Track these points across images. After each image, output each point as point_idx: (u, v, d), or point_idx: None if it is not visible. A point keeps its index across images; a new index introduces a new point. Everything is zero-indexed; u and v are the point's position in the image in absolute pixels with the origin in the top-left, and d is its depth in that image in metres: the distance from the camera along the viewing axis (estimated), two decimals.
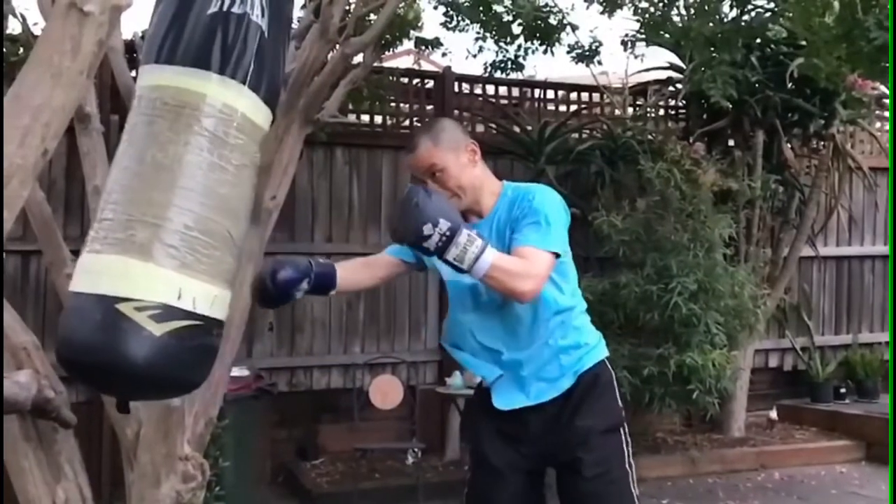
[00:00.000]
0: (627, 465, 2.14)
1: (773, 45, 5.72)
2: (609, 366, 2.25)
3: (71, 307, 1.62)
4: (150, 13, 1.76)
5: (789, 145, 6.04)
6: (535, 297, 2.02)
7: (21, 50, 3.97)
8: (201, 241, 1.58)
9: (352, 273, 2.31)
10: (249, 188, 1.73)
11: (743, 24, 5.15)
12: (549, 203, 2.11)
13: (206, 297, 1.59)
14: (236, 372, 3.92)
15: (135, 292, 1.51)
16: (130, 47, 3.97)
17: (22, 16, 3.53)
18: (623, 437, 2.18)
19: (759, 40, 5.58)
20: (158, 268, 1.53)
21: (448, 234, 1.90)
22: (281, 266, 2.10)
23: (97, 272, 1.55)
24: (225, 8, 1.65)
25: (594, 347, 2.23)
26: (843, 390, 6.44)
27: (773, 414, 6.12)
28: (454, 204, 2.10)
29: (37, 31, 3.74)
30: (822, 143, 6.25)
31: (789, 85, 5.61)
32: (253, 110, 1.70)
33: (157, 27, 1.69)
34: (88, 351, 1.54)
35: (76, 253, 3.39)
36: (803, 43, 5.09)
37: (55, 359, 1.68)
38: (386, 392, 4.86)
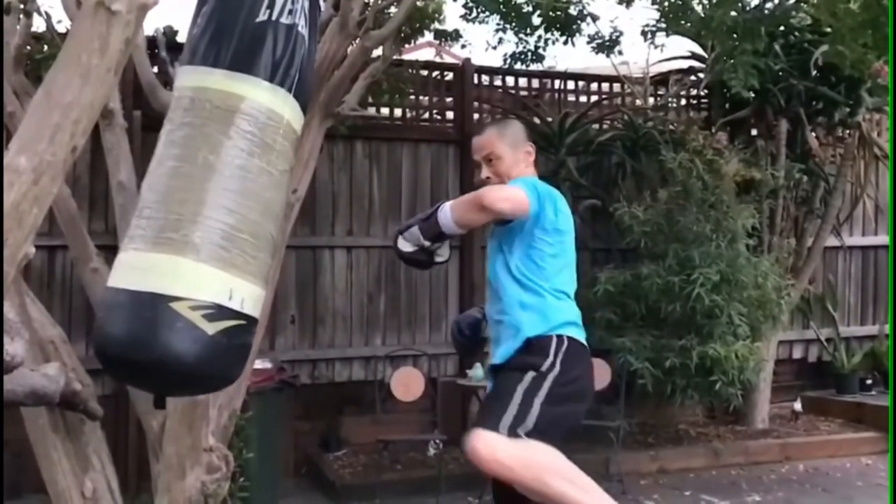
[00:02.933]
0: (521, 392, 2.13)
1: (797, 33, 5.64)
2: (564, 341, 2.24)
3: (114, 303, 1.59)
4: (193, 12, 1.80)
5: (814, 134, 5.96)
6: (507, 205, 2.16)
7: (45, 48, 4.01)
8: (249, 242, 1.62)
9: None
10: (285, 192, 1.80)
11: (766, 11, 5.08)
12: (527, 182, 2.28)
13: (253, 297, 1.64)
14: (259, 364, 3.95)
15: (188, 291, 1.53)
16: (152, 43, 4.00)
17: (47, 14, 3.57)
18: (527, 373, 2.17)
19: (782, 28, 5.50)
20: (211, 268, 1.55)
21: (418, 226, 2.22)
22: (465, 320, 2.49)
23: (145, 269, 1.55)
24: (274, 17, 1.70)
25: (555, 326, 2.26)
26: (868, 381, 6.36)
27: (798, 405, 6.06)
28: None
29: (61, 28, 3.79)
30: (848, 131, 6.16)
31: (814, 73, 5.54)
32: (295, 118, 1.77)
33: (202, 28, 1.72)
34: (139, 348, 1.54)
35: (101, 248, 3.48)
36: (828, 30, 5.02)
37: (94, 353, 1.70)
38: (407, 384, 4.88)
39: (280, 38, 1.71)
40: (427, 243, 2.22)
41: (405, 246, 2.22)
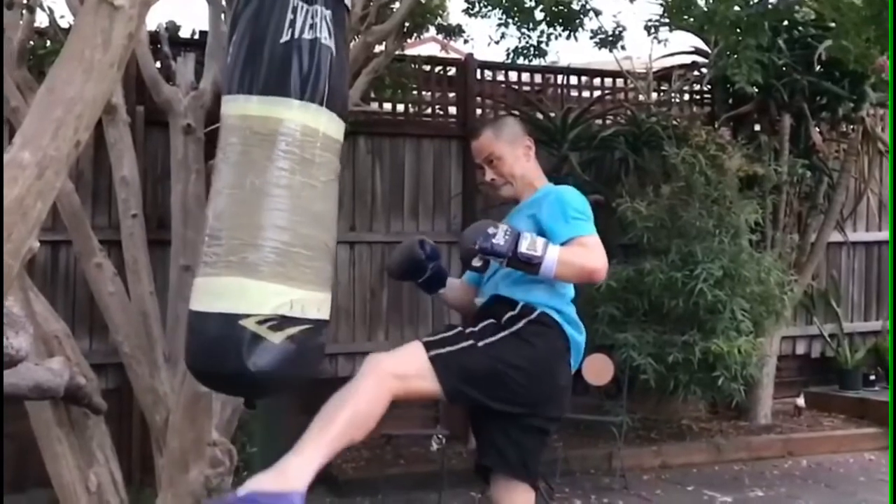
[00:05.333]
0: (478, 341, 2.12)
1: (800, 28, 5.62)
2: (552, 335, 2.22)
3: (195, 326, 1.81)
4: (227, 44, 1.89)
5: (817, 129, 5.94)
6: (605, 273, 2.19)
7: (48, 43, 4.01)
8: (303, 255, 1.77)
9: (457, 290, 2.52)
10: (335, 200, 1.92)
11: (770, 6, 5.06)
12: (579, 200, 2.30)
13: (313, 302, 1.80)
14: None
15: (253, 308, 1.72)
16: (155, 38, 4.00)
17: (49, 9, 3.57)
18: (499, 333, 2.15)
19: (786, 23, 5.49)
20: (270, 284, 1.73)
21: (509, 230, 2.12)
22: (424, 241, 2.39)
23: (216, 293, 1.75)
24: (296, 35, 1.79)
25: (550, 307, 2.25)
26: (872, 377, 6.36)
27: (801, 401, 6.06)
28: (505, 190, 2.40)
29: (63, 23, 3.79)
30: (852, 126, 6.15)
31: (817, 68, 5.53)
32: (332, 127, 1.86)
33: (234, 57, 1.83)
34: (218, 363, 1.75)
35: (104, 242, 3.48)
36: (832, 25, 5.01)
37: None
38: None
39: (305, 55, 1.79)
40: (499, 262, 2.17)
41: (476, 262, 2.17)
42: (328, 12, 1.84)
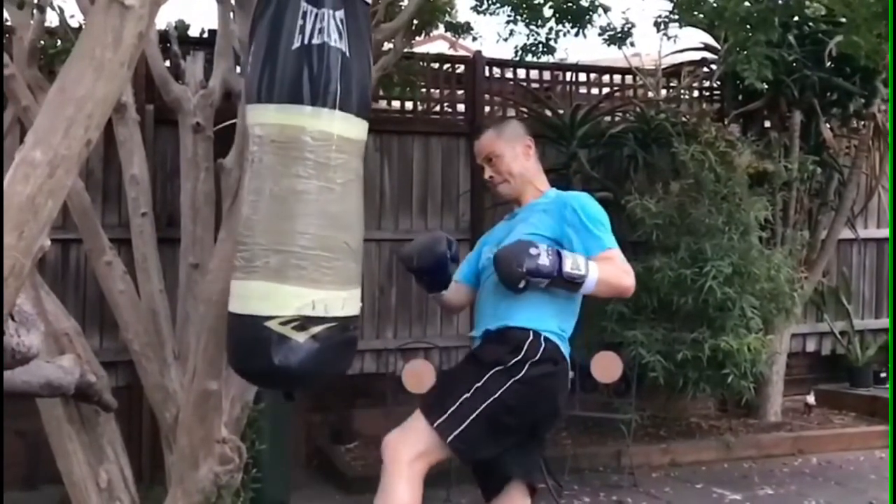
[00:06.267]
0: (475, 389, 2.14)
1: (811, 23, 5.59)
2: (547, 342, 2.22)
3: (231, 327, 1.95)
4: (249, 52, 1.95)
5: (828, 125, 5.91)
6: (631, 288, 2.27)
7: (59, 42, 4.03)
8: (323, 256, 1.84)
9: (451, 289, 2.53)
10: (357, 198, 1.96)
11: (780, 2, 5.04)
12: (599, 210, 2.36)
13: (336, 301, 1.87)
14: None
15: (276, 310, 1.82)
16: (164, 37, 4.01)
17: (60, 8, 3.59)
18: (491, 371, 2.16)
19: (796, 18, 5.45)
20: (292, 286, 1.82)
21: (550, 250, 2.15)
22: (450, 240, 2.40)
23: (245, 297, 1.88)
24: (306, 42, 1.84)
25: (547, 329, 2.25)
26: (883, 375, 6.32)
27: (811, 399, 6.03)
28: (503, 188, 2.41)
29: (74, 23, 3.81)
30: (863, 122, 6.10)
31: (828, 64, 5.49)
32: (347, 129, 1.90)
33: (254, 65, 1.89)
34: (251, 361, 1.90)
35: (114, 241, 3.50)
36: (842, 20, 4.97)
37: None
38: (419, 377, 4.88)
39: (314, 61, 1.84)
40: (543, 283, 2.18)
41: (521, 284, 2.17)
42: (339, 13, 1.87)
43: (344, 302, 1.89)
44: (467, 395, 2.11)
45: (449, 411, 2.10)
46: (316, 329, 1.83)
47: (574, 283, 2.13)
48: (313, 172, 1.83)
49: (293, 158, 1.83)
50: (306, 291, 1.82)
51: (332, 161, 1.86)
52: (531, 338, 2.19)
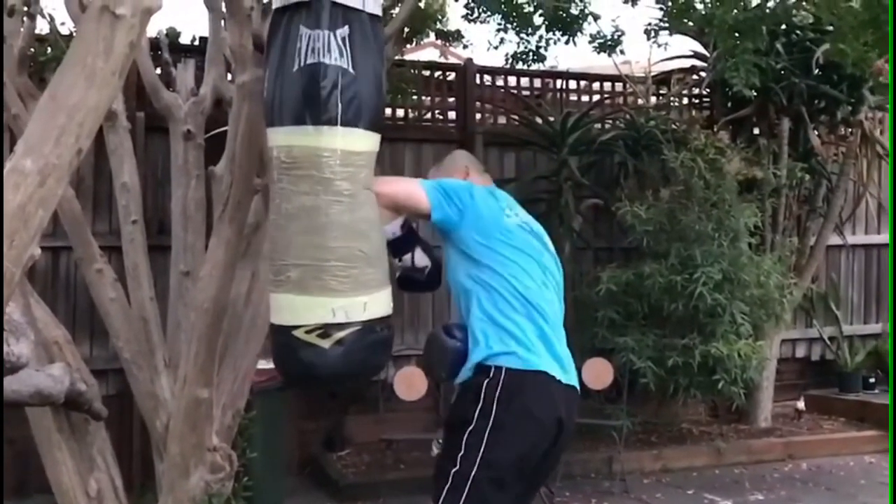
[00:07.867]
0: (458, 459, 2.11)
1: (798, 31, 5.63)
2: (503, 374, 2.12)
3: (272, 335, 2.09)
4: (264, 78, 2.03)
5: (816, 132, 5.96)
6: (382, 198, 2.12)
7: (49, 50, 4.02)
8: (339, 266, 1.95)
9: None
10: (370, 205, 2.02)
11: (767, 10, 5.08)
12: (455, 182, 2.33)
13: (356, 306, 1.97)
14: (263, 364, 3.96)
15: (300, 320, 1.95)
16: (154, 45, 4.02)
17: (50, 16, 3.59)
18: (465, 434, 2.10)
19: (784, 26, 5.50)
20: (312, 297, 1.94)
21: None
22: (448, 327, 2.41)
23: (277, 308, 2.02)
24: (303, 63, 1.91)
25: (497, 354, 2.14)
26: (872, 380, 6.35)
27: (801, 404, 6.06)
28: None
29: (64, 31, 3.81)
30: (850, 129, 6.16)
31: (815, 71, 5.54)
32: (352, 142, 1.98)
33: (266, 92, 2.00)
34: (286, 367, 2.05)
35: (105, 249, 3.49)
36: (829, 28, 5.02)
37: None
38: (411, 383, 4.89)
39: (311, 81, 1.91)
40: (398, 262, 2.29)
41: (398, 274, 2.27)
42: (341, 31, 1.93)
43: (364, 306, 1.98)
44: (455, 468, 2.11)
45: (445, 490, 2.12)
46: (340, 334, 1.94)
47: (397, 242, 2.26)
48: (320, 188, 1.92)
49: (300, 177, 1.92)
50: (326, 300, 1.94)
51: (338, 175, 1.94)
52: (488, 378, 2.10)
